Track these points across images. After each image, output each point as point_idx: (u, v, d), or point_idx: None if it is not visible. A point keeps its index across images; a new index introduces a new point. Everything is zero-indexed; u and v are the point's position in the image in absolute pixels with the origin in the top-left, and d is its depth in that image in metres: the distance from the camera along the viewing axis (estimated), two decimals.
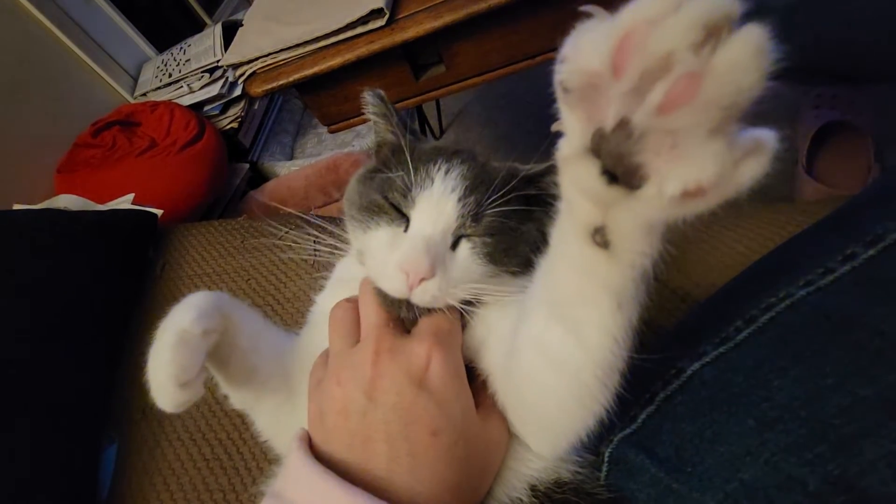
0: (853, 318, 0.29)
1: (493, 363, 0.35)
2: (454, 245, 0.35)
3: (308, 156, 1.51)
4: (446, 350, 0.33)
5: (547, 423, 0.32)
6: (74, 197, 1.06)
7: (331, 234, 0.41)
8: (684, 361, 0.35)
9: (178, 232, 0.91)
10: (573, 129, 0.18)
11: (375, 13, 0.72)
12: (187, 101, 1.31)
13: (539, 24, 0.73)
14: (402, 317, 0.35)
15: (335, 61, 0.74)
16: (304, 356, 0.41)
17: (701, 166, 0.16)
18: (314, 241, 0.43)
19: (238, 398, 0.43)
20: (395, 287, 0.33)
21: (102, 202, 1.06)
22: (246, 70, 0.80)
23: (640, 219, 0.19)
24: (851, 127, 0.98)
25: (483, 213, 0.34)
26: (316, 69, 0.75)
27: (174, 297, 0.37)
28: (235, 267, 0.80)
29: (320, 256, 0.44)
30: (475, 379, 0.36)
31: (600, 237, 0.21)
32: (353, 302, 0.38)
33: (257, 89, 0.79)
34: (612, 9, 0.16)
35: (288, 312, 0.71)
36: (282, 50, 0.77)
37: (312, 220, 0.44)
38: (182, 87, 1.34)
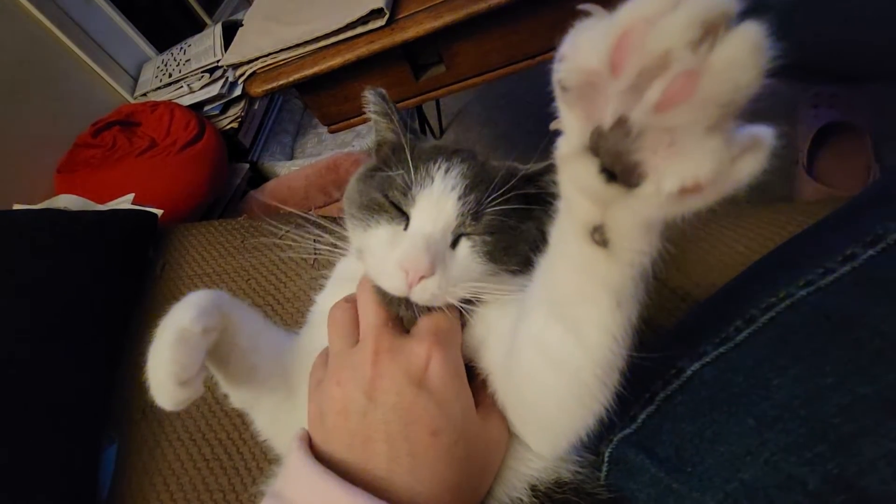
0: (853, 318, 0.29)
1: (492, 362, 0.35)
2: (454, 243, 0.35)
3: (308, 156, 1.51)
4: (446, 350, 0.33)
5: (547, 422, 0.32)
6: (74, 197, 1.06)
7: (331, 233, 0.41)
8: (684, 361, 0.35)
9: (178, 232, 0.91)
10: (572, 128, 0.18)
11: (375, 13, 0.72)
12: (187, 101, 1.31)
13: (539, 24, 0.73)
14: (402, 316, 0.35)
15: (335, 61, 0.74)
16: (304, 356, 0.41)
17: (698, 163, 0.16)
18: (314, 241, 0.43)
19: (238, 397, 0.43)
20: (394, 285, 0.33)
21: (102, 202, 1.06)
22: (246, 70, 0.80)
23: (638, 217, 0.19)
24: (851, 127, 0.98)
25: (483, 211, 0.35)
26: (316, 69, 0.75)
27: (174, 297, 0.37)
28: (235, 267, 0.80)
29: (320, 255, 0.44)
30: (475, 378, 0.36)
31: (599, 236, 0.21)
32: (352, 301, 0.38)
33: (257, 89, 0.79)
34: (611, 7, 0.16)
35: (288, 312, 0.71)
36: (282, 50, 0.77)
37: (312, 218, 0.44)
38: (182, 87, 1.34)
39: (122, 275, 0.82)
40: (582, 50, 0.17)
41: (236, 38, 0.86)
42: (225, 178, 1.30)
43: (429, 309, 0.35)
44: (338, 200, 1.22)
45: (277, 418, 0.43)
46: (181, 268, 0.84)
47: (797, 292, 0.32)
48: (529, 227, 0.36)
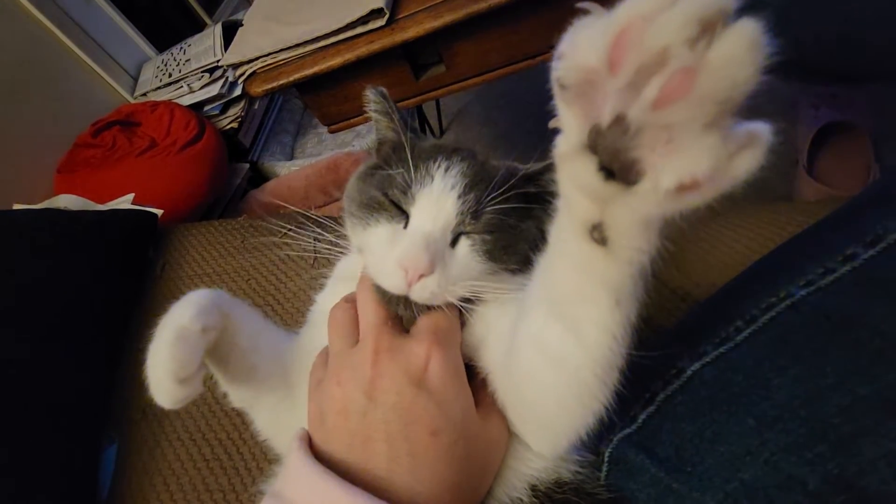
0: (853, 318, 0.29)
1: (492, 361, 0.35)
2: (454, 242, 0.35)
3: (308, 156, 1.51)
4: (445, 349, 0.33)
5: (546, 421, 0.32)
6: (74, 197, 1.06)
7: (331, 232, 0.41)
8: (684, 361, 0.35)
9: (178, 232, 0.91)
10: (570, 126, 0.18)
11: (375, 13, 0.72)
12: (187, 100, 1.31)
13: (539, 24, 0.73)
14: (401, 315, 0.35)
15: (335, 61, 0.74)
16: (304, 355, 0.41)
17: (696, 160, 0.16)
18: (315, 240, 0.43)
19: (237, 396, 0.43)
20: (394, 283, 0.33)
21: (102, 202, 1.06)
22: (246, 70, 0.80)
23: (637, 214, 0.19)
24: (851, 127, 0.98)
25: (482, 210, 0.35)
26: (316, 69, 0.75)
27: (174, 297, 0.37)
28: (235, 267, 0.80)
29: (321, 255, 0.44)
30: (475, 377, 0.36)
31: (598, 234, 0.21)
32: (352, 301, 0.38)
33: (257, 89, 0.79)
34: (610, 6, 0.16)
35: (288, 312, 0.71)
36: (282, 50, 0.77)
37: (313, 216, 0.44)
38: (182, 86, 1.34)
39: (122, 275, 0.82)
40: (580, 48, 0.17)
41: (236, 38, 0.86)
42: (225, 178, 1.30)
43: (428, 308, 0.35)
44: (338, 200, 1.22)
45: (277, 418, 0.43)
46: (181, 268, 0.84)
47: (797, 292, 0.32)
48: (529, 226, 0.36)
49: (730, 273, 0.44)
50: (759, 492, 0.29)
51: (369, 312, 0.35)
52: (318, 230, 0.42)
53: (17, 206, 1.02)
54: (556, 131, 0.20)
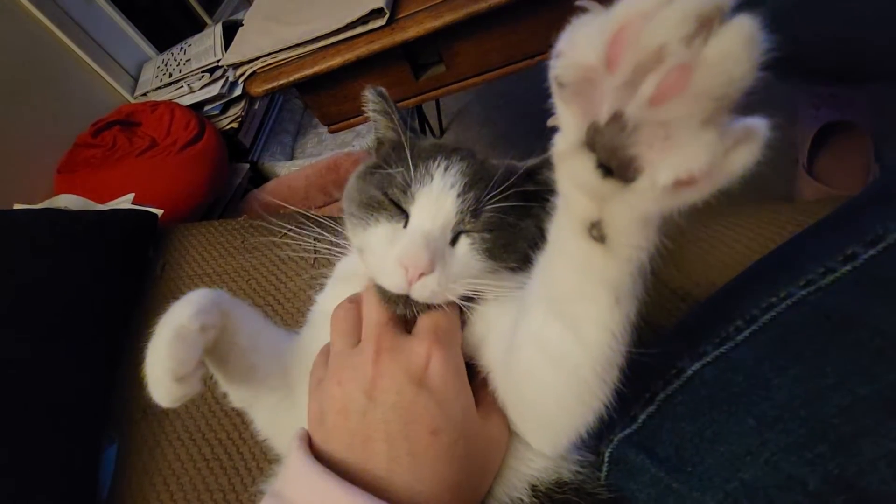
0: (853, 318, 0.29)
1: (493, 360, 0.35)
2: (453, 241, 0.35)
3: (308, 156, 1.51)
4: (446, 349, 0.33)
5: (546, 419, 0.32)
6: (74, 197, 1.06)
7: (331, 232, 0.41)
8: (685, 361, 0.35)
9: (178, 232, 0.91)
10: (568, 124, 0.18)
11: (375, 13, 0.72)
12: (187, 100, 1.32)
13: (538, 24, 0.73)
14: (401, 314, 0.35)
15: (335, 61, 0.74)
16: (304, 355, 0.41)
17: (692, 156, 0.16)
18: (315, 240, 0.43)
19: (237, 396, 0.43)
20: (394, 282, 0.33)
21: (102, 202, 1.06)
22: (246, 70, 0.80)
23: (635, 212, 0.19)
24: (851, 127, 0.98)
25: (482, 209, 0.35)
26: (316, 69, 0.75)
27: (174, 297, 0.37)
28: (235, 267, 0.80)
29: (321, 255, 0.44)
30: (475, 377, 0.36)
31: (597, 232, 0.21)
32: (354, 302, 0.38)
33: (257, 89, 0.79)
34: (609, 4, 0.16)
35: (288, 312, 0.71)
36: (282, 50, 0.77)
37: (313, 216, 0.44)
38: (182, 86, 1.34)
39: (122, 275, 0.82)
40: (578, 46, 0.17)
41: (236, 38, 0.86)
42: (225, 178, 1.30)
43: (429, 307, 0.35)
44: (338, 200, 1.22)
45: (277, 417, 0.43)
46: (181, 268, 0.84)
47: (797, 292, 0.32)
48: (528, 224, 0.36)
49: (730, 273, 0.44)
50: (759, 492, 0.29)
51: (372, 312, 0.35)
52: (318, 230, 0.42)
53: (17, 206, 1.02)
54: (554, 130, 0.20)
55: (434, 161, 0.36)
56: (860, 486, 0.26)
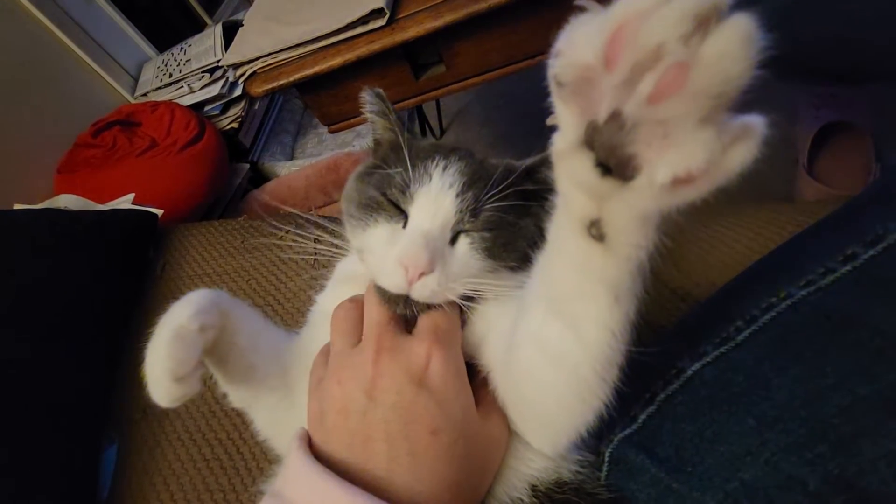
0: (853, 318, 0.29)
1: (493, 359, 0.35)
2: (453, 240, 0.35)
3: (308, 156, 1.51)
4: (446, 349, 0.33)
5: (546, 418, 0.32)
6: (74, 197, 1.06)
7: (331, 233, 0.41)
8: (685, 361, 0.35)
9: (178, 232, 0.91)
10: (567, 123, 0.19)
11: (376, 13, 0.72)
12: (188, 101, 1.32)
13: (539, 24, 0.73)
14: (401, 314, 0.35)
15: (335, 61, 0.74)
16: (304, 355, 0.41)
17: (690, 153, 0.16)
18: (315, 241, 0.43)
19: (236, 396, 0.43)
20: (394, 282, 0.33)
21: (103, 202, 1.06)
22: (246, 70, 0.80)
23: (634, 210, 0.19)
24: (851, 127, 0.98)
25: (481, 208, 0.35)
26: (316, 69, 0.75)
27: (174, 297, 0.37)
28: (236, 267, 0.80)
29: (321, 256, 0.44)
30: (476, 376, 0.36)
31: (596, 230, 0.21)
32: (355, 302, 0.38)
33: (258, 89, 0.79)
34: (608, 3, 0.16)
35: (288, 312, 0.71)
36: (282, 50, 0.77)
37: (313, 218, 0.44)
38: (182, 87, 1.34)
39: (122, 275, 0.82)
40: (577, 45, 0.17)
41: (237, 38, 0.86)
42: (225, 178, 1.30)
43: (429, 307, 0.35)
44: (338, 201, 1.22)
45: (276, 418, 0.43)
46: (181, 268, 0.84)
47: (797, 292, 0.32)
48: (527, 223, 0.36)
49: (730, 273, 0.44)
50: (759, 492, 0.29)
51: (373, 312, 0.35)
52: (318, 231, 0.42)
53: (17, 206, 1.02)
54: (553, 129, 0.20)
55: (432, 161, 0.36)
56: (860, 486, 0.26)
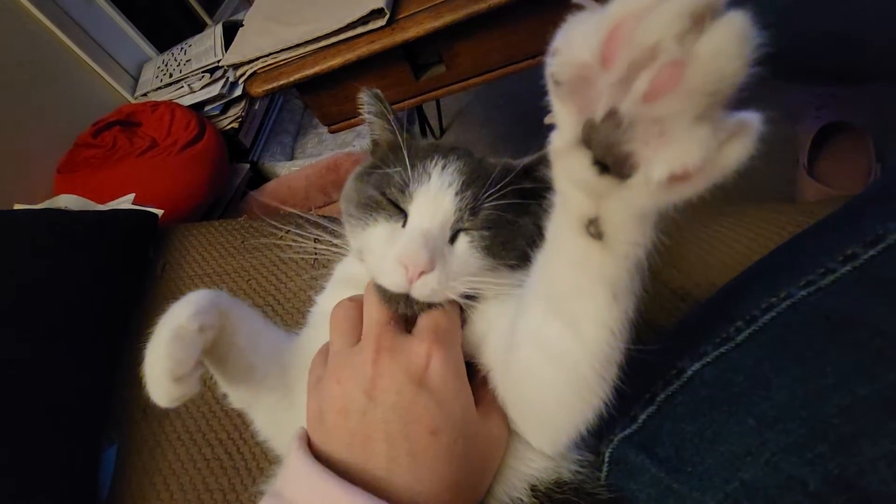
0: (853, 318, 0.29)
1: (493, 358, 0.35)
2: (452, 239, 0.35)
3: (308, 156, 1.51)
4: (446, 349, 0.33)
5: (546, 417, 0.32)
6: (74, 197, 1.06)
7: (331, 233, 0.41)
8: (685, 362, 0.35)
9: (178, 232, 0.91)
10: (564, 122, 0.19)
11: (376, 13, 0.72)
12: (188, 101, 1.32)
13: (539, 24, 0.73)
14: (401, 313, 0.35)
15: (335, 61, 0.74)
16: (304, 356, 0.41)
17: (686, 150, 0.16)
18: (315, 241, 0.43)
19: (236, 396, 0.43)
20: (394, 281, 0.33)
21: (103, 202, 1.06)
22: (246, 70, 0.80)
23: (631, 208, 0.19)
24: (851, 127, 0.98)
25: (480, 206, 0.35)
26: (316, 69, 0.75)
27: (174, 298, 0.37)
28: (236, 267, 0.80)
29: (321, 256, 0.44)
30: (476, 376, 0.36)
31: (594, 228, 0.21)
32: (354, 301, 0.38)
33: (258, 89, 0.79)
34: (606, 2, 0.16)
35: (288, 313, 0.71)
36: (282, 50, 0.77)
37: (313, 218, 0.44)
38: (183, 87, 1.34)
39: (122, 275, 0.82)
40: (574, 44, 0.17)
41: (237, 39, 0.86)
42: (225, 178, 1.30)
43: (429, 306, 0.35)
44: (338, 201, 1.21)
45: (276, 418, 0.43)
46: (181, 268, 0.84)
47: (798, 292, 0.32)
48: (526, 221, 0.36)
49: (730, 273, 0.44)
50: (759, 492, 0.29)
51: (373, 311, 0.35)
52: (318, 231, 0.42)
53: (17, 206, 1.02)
54: (551, 127, 0.20)
55: (431, 160, 0.37)
56: (860, 486, 0.26)
